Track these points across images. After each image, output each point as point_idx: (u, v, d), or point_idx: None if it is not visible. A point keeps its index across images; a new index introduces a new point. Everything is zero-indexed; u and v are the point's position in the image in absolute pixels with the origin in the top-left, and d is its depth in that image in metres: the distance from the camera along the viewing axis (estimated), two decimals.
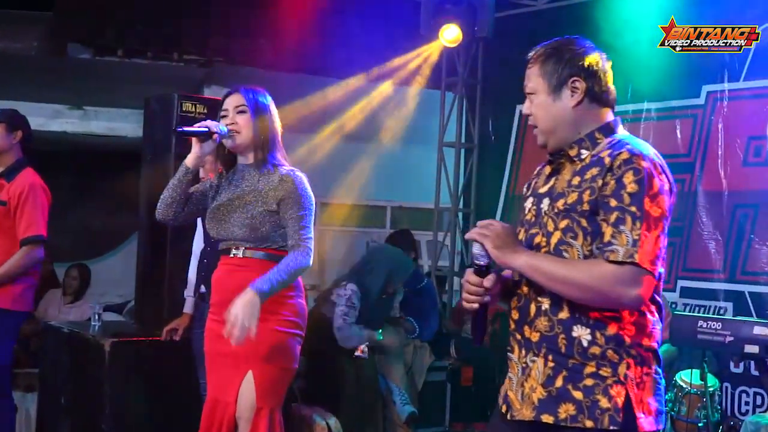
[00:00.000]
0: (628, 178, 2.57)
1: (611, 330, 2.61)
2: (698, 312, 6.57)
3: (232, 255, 4.01)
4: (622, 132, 2.79)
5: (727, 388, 6.42)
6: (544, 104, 2.76)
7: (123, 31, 7.23)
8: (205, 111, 6.14)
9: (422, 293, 7.25)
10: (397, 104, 8.91)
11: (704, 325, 5.05)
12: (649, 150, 2.67)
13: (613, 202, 2.57)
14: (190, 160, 4.00)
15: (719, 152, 6.64)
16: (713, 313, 6.48)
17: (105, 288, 11.10)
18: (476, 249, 2.72)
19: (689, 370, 5.52)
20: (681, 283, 6.80)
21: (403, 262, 6.68)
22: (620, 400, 2.58)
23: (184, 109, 6.03)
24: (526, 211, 2.85)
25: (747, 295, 6.44)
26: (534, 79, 2.78)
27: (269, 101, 4.11)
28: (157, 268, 5.90)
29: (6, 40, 7.25)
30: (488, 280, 2.72)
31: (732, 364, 6.37)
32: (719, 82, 6.68)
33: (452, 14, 7.61)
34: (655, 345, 2.68)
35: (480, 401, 7.30)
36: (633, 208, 2.55)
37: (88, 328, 5.96)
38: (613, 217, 2.56)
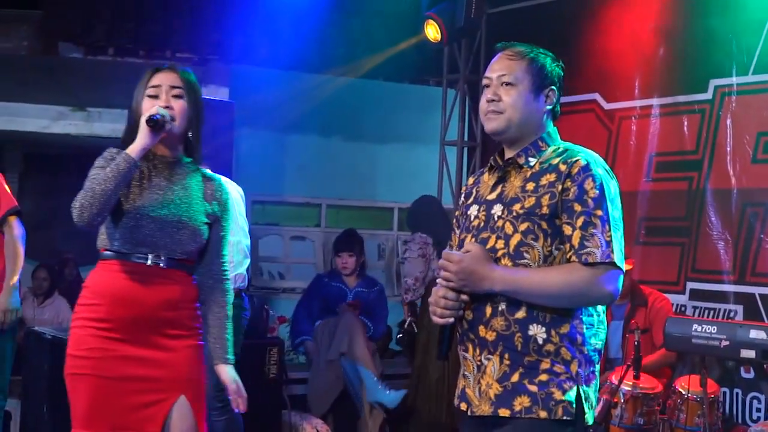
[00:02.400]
0: (589, 185, 2.81)
1: (565, 328, 2.82)
2: (708, 315, 6.41)
3: (149, 264, 3.49)
4: (561, 140, 3.02)
5: (737, 394, 6.26)
6: (524, 98, 2.92)
7: (112, 29, 7.13)
8: None
9: (376, 296, 7.19)
10: (398, 102, 8.81)
11: (699, 329, 4.89)
12: (598, 156, 2.94)
13: (578, 207, 2.80)
14: (138, 154, 3.42)
15: (728, 149, 6.46)
16: (723, 317, 6.32)
17: None
18: None
19: (688, 376, 5.36)
20: (690, 285, 6.63)
21: None
22: (573, 393, 2.80)
23: None
24: (473, 218, 3.00)
25: (758, 298, 6.24)
26: (520, 73, 2.93)
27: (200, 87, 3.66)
28: None
29: None
30: (465, 294, 2.85)
31: (743, 369, 6.21)
32: (727, 76, 6.48)
33: (437, 10, 7.54)
34: (601, 344, 2.91)
35: None
36: (599, 212, 2.79)
37: (67, 333, 5.87)
38: (580, 222, 2.79)
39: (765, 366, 5.03)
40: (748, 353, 4.73)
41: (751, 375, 6.17)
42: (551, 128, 3.01)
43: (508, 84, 2.91)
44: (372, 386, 6.52)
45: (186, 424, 3.53)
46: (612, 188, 2.86)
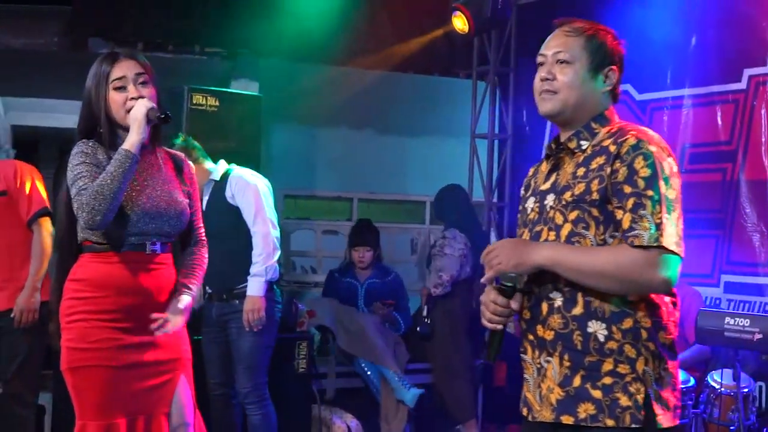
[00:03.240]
0: (639, 164, 2.60)
1: (627, 324, 2.62)
2: (743, 309, 6.28)
3: (147, 251, 3.56)
4: (619, 120, 2.82)
5: None
6: (580, 77, 2.75)
7: (141, 24, 7.11)
8: (217, 103, 6.04)
9: (393, 285, 7.10)
10: (428, 95, 8.73)
11: (731, 322, 4.79)
12: (653, 134, 2.72)
13: (628, 189, 2.60)
14: (138, 148, 3.45)
15: (762, 139, 6.33)
16: (759, 310, 6.19)
17: None
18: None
19: (722, 370, 5.24)
20: (724, 278, 6.49)
21: None
22: (640, 397, 2.60)
23: (194, 101, 5.94)
24: (529, 212, 2.85)
25: None
26: (577, 50, 2.76)
27: None
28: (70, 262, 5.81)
29: (27, 36, 7.19)
30: (515, 302, 2.71)
31: None
32: (761, 65, 6.34)
33: (464, 1, 7.47)
34: (671, 338, 2.69)
35: (514, 402, 7.07)
36: (650, 192, 2.58)
37: None
38: (630, 204, 2.59)
39: None
40: None
41: None
42: (608, 109, 2.82)
43: (563, 62, 2.75)
44: (396, 385, 6.50)
45: (189, 401, 3.67)
46: (667, 166, 2.63)
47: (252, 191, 5.39)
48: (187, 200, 3.69)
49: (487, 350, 2.82)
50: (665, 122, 6.90)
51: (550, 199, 2.75)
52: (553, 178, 2.80)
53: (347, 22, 7.52)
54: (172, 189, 3.63)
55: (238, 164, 5.58)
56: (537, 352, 2.73)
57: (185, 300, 3.63)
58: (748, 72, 6.43)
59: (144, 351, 3.55)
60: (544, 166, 2.89)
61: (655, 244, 2.55)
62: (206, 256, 3.82)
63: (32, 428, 5.51)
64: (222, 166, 5.52)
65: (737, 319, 4.81)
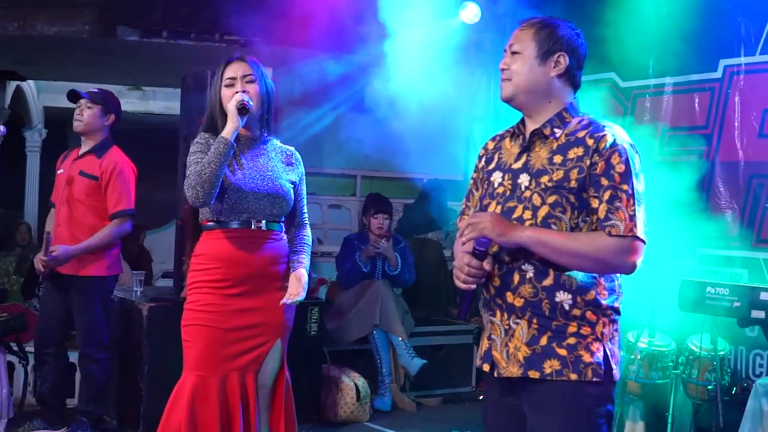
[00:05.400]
0: (616, 160, 2.71)
1: (590, 295, 2.74)
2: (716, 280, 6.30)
3: (253, 228, 3.80)
4: (585, 111, 2.90)
5: (742, 351, 6.13)
6: (529, 64, 2.82)
7: (166, 14, 7.10)
8: None
9: (401, 252, 7.19)
10: (429, 81, 8.70)
11: (712, 291, 4.81)
12: (624, 132, 2.82)
13: (605, 182, 2.71)
14: (232, 135, 3.71)
15: (736, 124, 6.32)
16: (730, 281, 6.21)
17: (165, 256, 11.10)
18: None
19: (701, 335, 5.27)
20: (700, 251, 6.51)
21: None
22: (600, 355, 2.73)
23: None
24: (496, 185, 2.87)
25: (762, 263, 6.12)
26: (525, 42, 2.84)
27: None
28: (194, 239, 5.81)
29: (60, 24, 7.16)
30: (488, 264, 2.78)
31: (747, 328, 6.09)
32: (736, 56, 6.34)
33: None
34: (619, 305, 2.83)
35: None
36: (625, 187, 2.70)
37: (131, 294, 5.97)
38: (606, 195, 2.70)
39: None
40: (758, 314, 4.67)
41: (755, 333, 6.06)
42: (573, 98, 2.89)
43: (515, 53, 2.84)
44: (401, 352, 6.58)
45: (277, 364, 3.91)
46: (636, 163, 2.76)
47: None
48: (292, 187, 3.90)
49: (460, 308, 2.97)
50: (647, 108, 6.90)
51: (524, 179, 2.79)
52: (524, 158, 2.83)
53: (355, 13, 7.47)
54: (276, 175, 3.84)
55: None
56: (506, 315, 2.79)
57: (301, 273, 3.89)
58: (723, 62, 6.42)
59: (248, 315, 3.80)
60: (509, 145, 2.92)
61: (629, 234, 2.67)
62: (308, 235, 4.05)
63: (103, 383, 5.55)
64: None
65: (717, 288, 4.84)
